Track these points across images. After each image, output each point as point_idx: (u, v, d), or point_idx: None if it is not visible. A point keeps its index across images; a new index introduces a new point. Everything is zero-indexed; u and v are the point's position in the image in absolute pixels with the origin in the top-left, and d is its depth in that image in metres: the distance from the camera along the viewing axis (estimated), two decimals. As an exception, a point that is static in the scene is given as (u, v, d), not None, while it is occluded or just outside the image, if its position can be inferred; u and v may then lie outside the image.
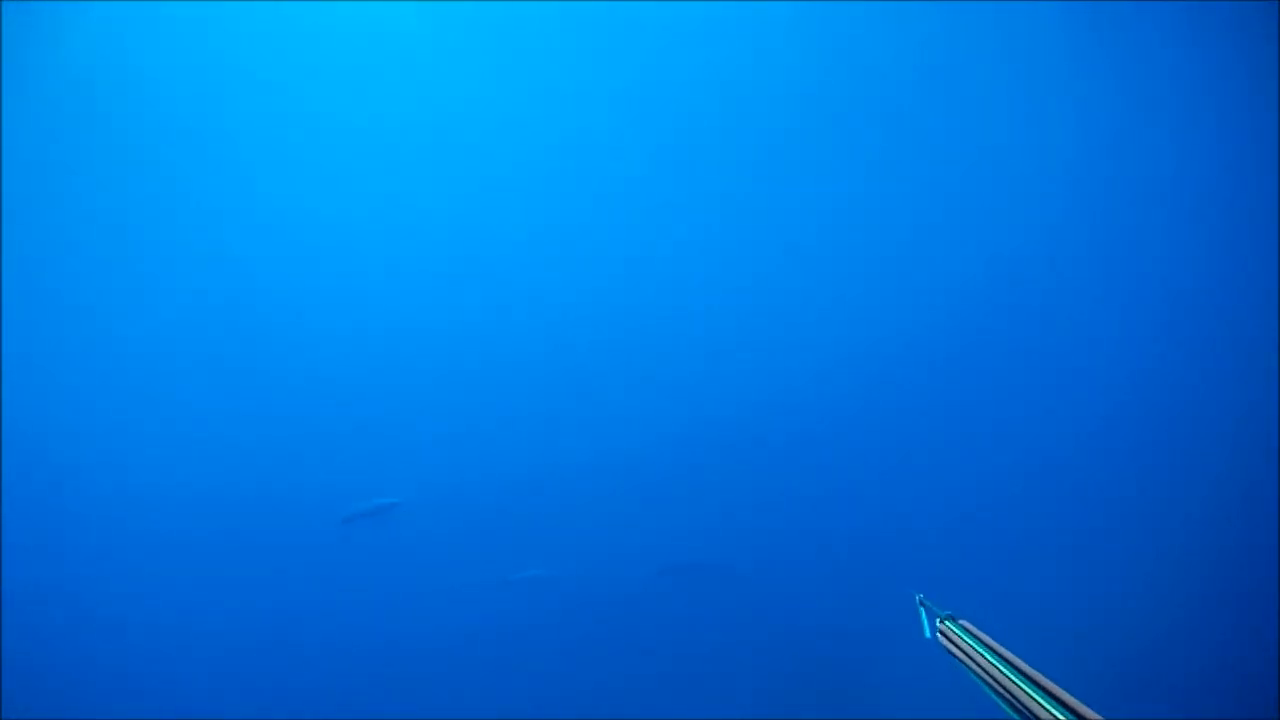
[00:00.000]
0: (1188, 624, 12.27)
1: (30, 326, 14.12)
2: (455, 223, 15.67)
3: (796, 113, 15.17)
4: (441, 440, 15.26)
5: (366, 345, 15.52)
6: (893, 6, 14.17)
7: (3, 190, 13.38)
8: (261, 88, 14.50)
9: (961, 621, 2.22)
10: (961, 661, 2.08)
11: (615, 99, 15.20)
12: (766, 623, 13.96)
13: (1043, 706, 1.56)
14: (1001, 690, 1.79)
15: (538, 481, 14.83)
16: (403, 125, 15.31)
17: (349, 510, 13.87)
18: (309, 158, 15.05)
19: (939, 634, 2.28)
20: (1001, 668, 1.84)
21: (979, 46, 14.35)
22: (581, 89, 15.07)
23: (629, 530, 14.34)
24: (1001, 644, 2.00)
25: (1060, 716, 1.50)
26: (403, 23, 14.60)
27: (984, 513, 14.53)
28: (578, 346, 15.53)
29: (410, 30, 14.67)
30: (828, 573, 13.97)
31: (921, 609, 2.36)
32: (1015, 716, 1.67)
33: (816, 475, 14.72)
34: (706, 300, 15.52)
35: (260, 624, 14.34)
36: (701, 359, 15.35)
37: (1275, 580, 11.24)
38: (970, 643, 2.11)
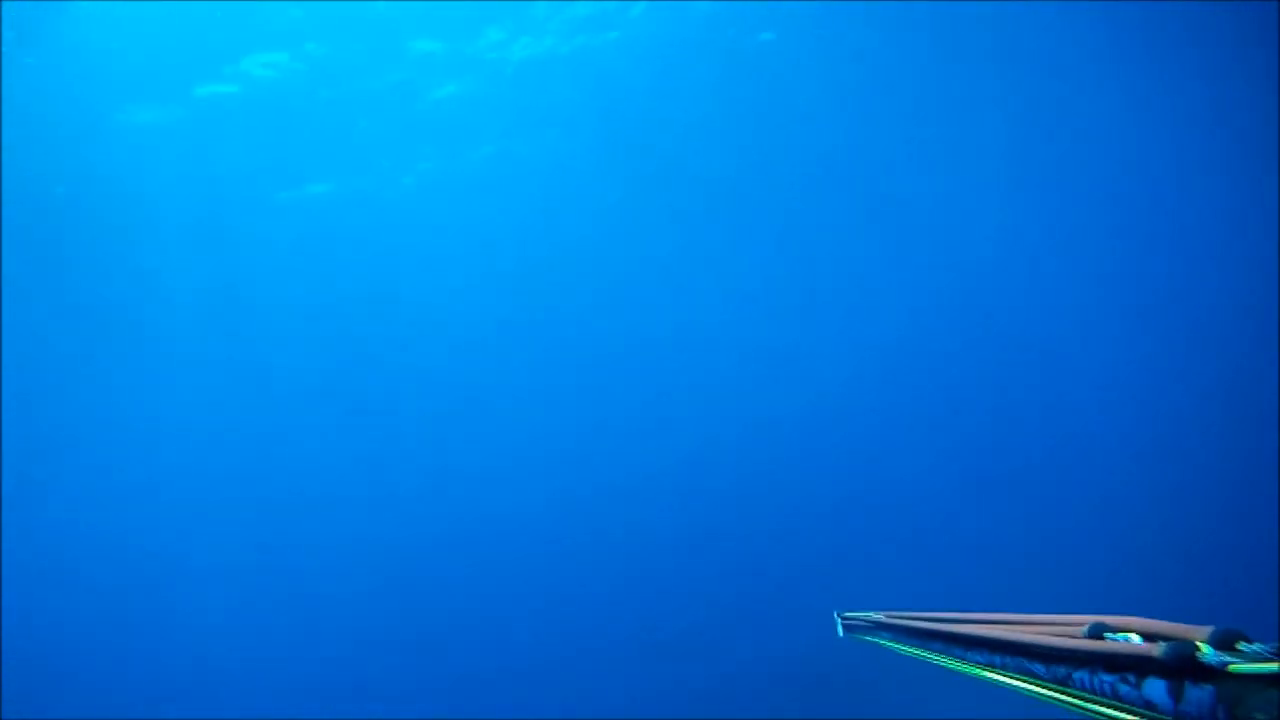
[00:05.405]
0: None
1: (33, 329, 14.12)
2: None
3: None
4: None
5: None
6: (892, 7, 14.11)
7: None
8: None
9: (859, 613, 2.48)
10: (864, 632, 2.31)
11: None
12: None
13: (947, 631, 1.68)
14: (908, 632, 1.96)
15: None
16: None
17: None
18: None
19: (844, 626, 2.53)
20: (896, 623, 2.07)
21: (971, 46, 14.32)
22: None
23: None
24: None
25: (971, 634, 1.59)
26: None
27: (982, 515, 14.53)
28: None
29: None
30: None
31: (838, 620, 2.60)
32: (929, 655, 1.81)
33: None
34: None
35: (262, 625, 14.32)
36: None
37: (1276, 581, 11.25)
38: (864, 615, 2.34)
